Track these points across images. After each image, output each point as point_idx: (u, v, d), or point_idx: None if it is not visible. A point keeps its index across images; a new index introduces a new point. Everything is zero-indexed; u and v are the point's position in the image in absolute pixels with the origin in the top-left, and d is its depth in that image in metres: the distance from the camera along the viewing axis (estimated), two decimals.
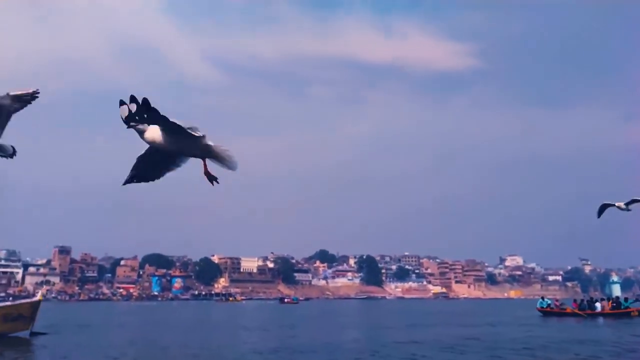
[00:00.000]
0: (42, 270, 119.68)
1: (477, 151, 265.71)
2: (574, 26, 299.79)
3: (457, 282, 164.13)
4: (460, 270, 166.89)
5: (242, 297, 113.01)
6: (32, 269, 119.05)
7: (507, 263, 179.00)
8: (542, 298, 36.68)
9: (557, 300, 36.07)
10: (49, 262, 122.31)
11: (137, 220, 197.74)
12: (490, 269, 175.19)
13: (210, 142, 6.07)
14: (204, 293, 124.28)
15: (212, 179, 6.33)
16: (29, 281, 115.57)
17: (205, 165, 6.25)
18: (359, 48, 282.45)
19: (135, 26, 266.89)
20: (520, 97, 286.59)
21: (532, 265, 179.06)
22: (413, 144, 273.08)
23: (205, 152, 6.06)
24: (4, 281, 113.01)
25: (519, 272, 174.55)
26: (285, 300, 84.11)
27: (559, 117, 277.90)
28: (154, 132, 5.66)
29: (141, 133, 5.71)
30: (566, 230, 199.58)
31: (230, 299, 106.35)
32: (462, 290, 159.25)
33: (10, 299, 43.97)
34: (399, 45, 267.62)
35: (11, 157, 6.32)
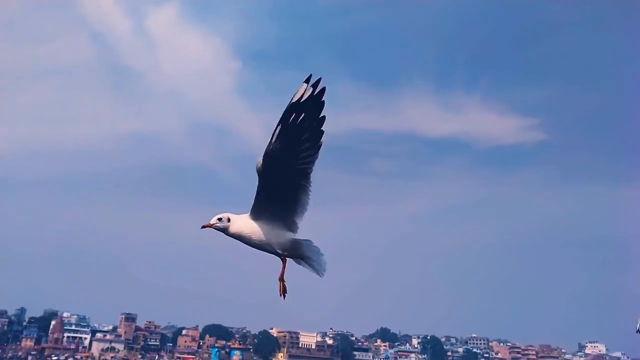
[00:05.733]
0: (108, 336, 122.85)
1: (550, 228, 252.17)
2: None
3: None
4: (534, 356, 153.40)
5: None
6: (99, 335, 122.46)
7: (587, 351, 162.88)
8: None
9: None
10: (115, 328, 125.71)
11: (199, 289, 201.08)
12: (568, 357, 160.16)
13: (300, 240, 5.62)
14: None
15: (284, 290, 5.76)
16: (96, 347, 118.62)
17: (284, 267, 5.88)
18: (421, 123, 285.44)
19: (205, 106, 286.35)
20: (589, 173, 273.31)
21: (617, 354, 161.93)
22: (476, 219, 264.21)
23: (293, 250, 5.59)
24: (72, 346, 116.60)
25: None
26: None
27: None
28: (240, 226, 5.56)
29: (224, 230, 5.66)
30: None
31: None
32: None
33: None
34: (460, 120, 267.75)
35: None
